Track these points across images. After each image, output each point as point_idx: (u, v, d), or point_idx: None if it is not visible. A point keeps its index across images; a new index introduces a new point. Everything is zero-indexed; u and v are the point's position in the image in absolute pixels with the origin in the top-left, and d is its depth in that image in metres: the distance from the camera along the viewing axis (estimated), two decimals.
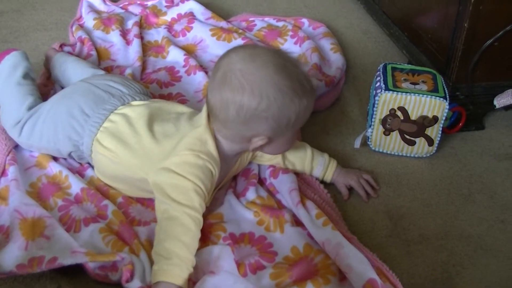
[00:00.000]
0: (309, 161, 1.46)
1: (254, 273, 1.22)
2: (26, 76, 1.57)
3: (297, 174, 1.46)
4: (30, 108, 1.48)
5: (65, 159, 1.48)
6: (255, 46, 1.30)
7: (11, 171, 1.40)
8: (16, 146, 1.49)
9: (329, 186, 1.46)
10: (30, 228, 1.25)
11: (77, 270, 1.20)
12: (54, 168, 1.44)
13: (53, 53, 1.78)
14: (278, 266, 1.23)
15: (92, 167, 1.45)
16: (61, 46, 1.91)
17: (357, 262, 1.17)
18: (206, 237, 1.29)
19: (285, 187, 1.39)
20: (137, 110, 1.39)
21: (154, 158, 1.29)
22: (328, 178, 1.48)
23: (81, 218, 1.32)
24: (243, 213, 1.35)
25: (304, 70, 1.27)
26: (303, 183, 1.45)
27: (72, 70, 1.67)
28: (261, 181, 1.45)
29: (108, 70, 1.84)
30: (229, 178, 1.42)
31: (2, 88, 1.55)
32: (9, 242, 1.23)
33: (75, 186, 1.40)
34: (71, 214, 1.33)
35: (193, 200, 1.22)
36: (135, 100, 1.44)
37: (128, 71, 1.79)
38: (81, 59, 1.79)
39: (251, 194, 1.39)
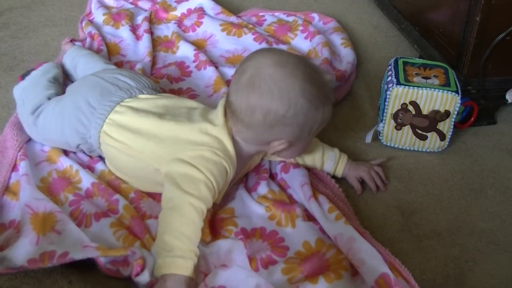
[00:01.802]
0: (320, 156, 1.45)
1: (266, 268, 1.21)
2: (55, 79, 1.60)
3: (308, 169, 1.45)
4: (49, 98, 1.49)
5: (74, 153, 1.48)
6: (281, 52, 1.30)
7: (22, 166, 1.41)
8: (28, 141, 1.50)
9: (341, 181, 1.46)
10: (41, 223, 1.25)
11: (88, 265, 1.20)
12: (64, 163, 1.44)
13: (68, 47, 1.79)
14: (289, 261, 1.23)
15: (103, 160, 1.45)
16: (71, 41, 1.91)
17: (370, 256, 1.17)
18: (217, 232, 1.29)
19: (296, 182, 1.38)
20: (144, 103, 1.39)
21: (167, 146, 1.29)
22: (339, 172, 1.47)
23: (92, 213, 1.32)
24: (254, 208, 1.35)
25: (327, 79, 1.30)
26: (315, 178, 1.44)
27: (84, 64, 1.67)
28: (272, 176, 1.45)
29: (118, 65, 1.83)
30: (241, 176, 1.42)
31: (31, 83, 1.57)
32: (20, 236, 1.23)
33: (86, 180, 1.40)
34: (81, 209, 1.33)
35: (201, 191, 1.21)
36: (143, 93, 1.44)
37: (138, 66, 1.79)
38: (94, 53, 1.78)
39: (262, 189, 1.38)
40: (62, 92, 1.56)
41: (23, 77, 1.65)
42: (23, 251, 1.19)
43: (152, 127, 1.32)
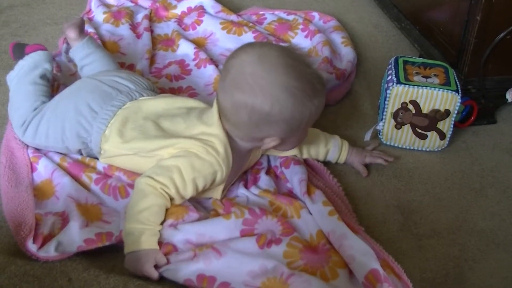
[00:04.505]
0: (324, 145, 1.47)
1: (270, 246, 1.20)
2: (43, 76, 1.55)
3: (309, 165, 1.46)
4: (35, 109, 1.46)
5: None
6: (263, 44, 1.29)
7: (44, 163, 1.40)
8: None
9: (340, 178, 1.46)
10: (87, 212, 1.28)
11: (87, 264, 1.20)
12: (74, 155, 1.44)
13: (73, 35, 1.68)
14: (292, 244, 1.21)
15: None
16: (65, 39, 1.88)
17: (361, 253, 1.16)
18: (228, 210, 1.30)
19: (295, 177, 1.38)
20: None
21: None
22: (342, 159, 1.50)
23: (124, 184, 1.34)
24: (258, 202, 1.34)
25: (314, 68, 1.27)
26: (315, 174, 1.44)
27: (93, 69, 1.63)
28: (271, 170, 1.46)
29: (119, 65, 1.82)
30: (241, 172, 1.42)
31: (18, 84, 1.53)
32: (70, 221, 1.25)
33: (99, 164, 1.41)
34: (110, 183, 1.35)
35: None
36: (143, 96, 1.44)
37: (137, 67, 1.80)
38: (108, 54, 1.72)
39: (262, 183, 1.39)
40: (50, 90, 1.56)
41: (13, 51, 1.65)
42: (75, 232, 1.22)
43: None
